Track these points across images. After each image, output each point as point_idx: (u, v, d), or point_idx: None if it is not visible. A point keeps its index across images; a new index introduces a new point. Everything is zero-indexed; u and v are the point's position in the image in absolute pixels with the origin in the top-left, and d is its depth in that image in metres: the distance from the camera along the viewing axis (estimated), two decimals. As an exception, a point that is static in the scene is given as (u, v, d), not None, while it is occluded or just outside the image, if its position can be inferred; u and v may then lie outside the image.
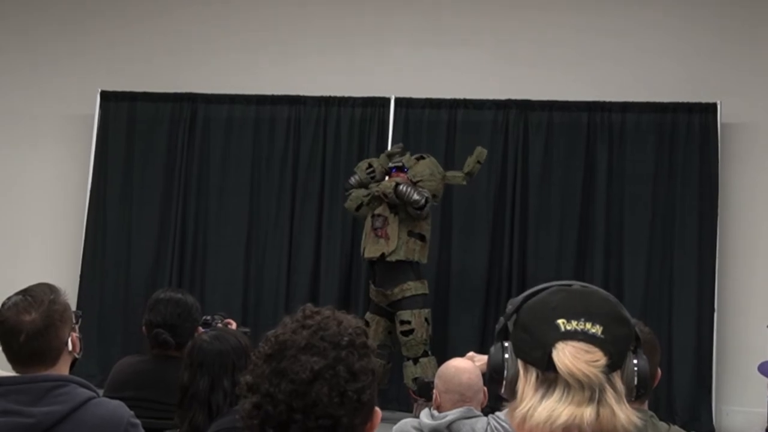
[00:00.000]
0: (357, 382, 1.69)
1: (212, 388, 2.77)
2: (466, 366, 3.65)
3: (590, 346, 1.56)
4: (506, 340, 1.65)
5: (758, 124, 8.32)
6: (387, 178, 7.58)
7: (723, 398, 8.02)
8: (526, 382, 1.59)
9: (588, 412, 1.53)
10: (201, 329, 3.86)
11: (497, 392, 1.66)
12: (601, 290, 1.67)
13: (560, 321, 1.58)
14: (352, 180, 7.78)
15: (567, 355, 1.55)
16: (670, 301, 8.15)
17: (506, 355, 1.62)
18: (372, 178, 7.71)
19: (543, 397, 1.56)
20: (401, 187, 7.32)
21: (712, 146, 8.19)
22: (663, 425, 2.69)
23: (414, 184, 7.41)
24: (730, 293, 8.16)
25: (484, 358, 3.38)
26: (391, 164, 7.62)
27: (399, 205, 7.39)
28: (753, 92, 8.32)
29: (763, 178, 8.26)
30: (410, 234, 7.43)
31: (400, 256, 7.38)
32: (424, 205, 7.35)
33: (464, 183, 7.66)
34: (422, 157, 7.68)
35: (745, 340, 7.94)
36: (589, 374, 1.54)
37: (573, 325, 1.57)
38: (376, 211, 7.50)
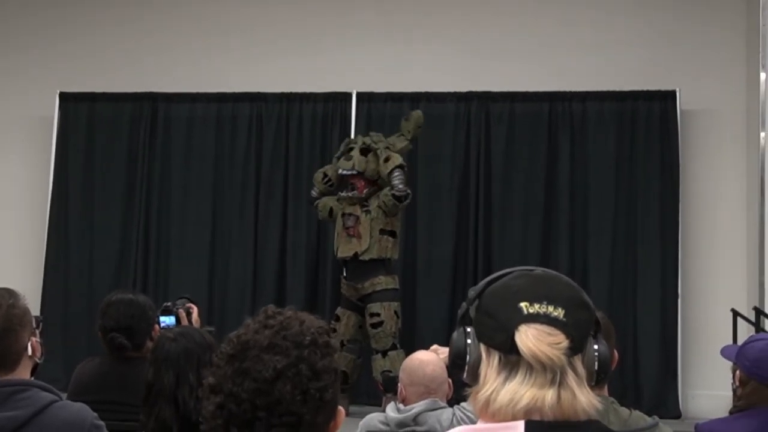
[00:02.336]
0: (319, 381, 1.70)
1: (178, 384, 2.76)
2: (430, 358, 3.65)
3: (552, 328, 1.57)
4: (468, 325, 1.65)
5: (717, 110, 8.39)
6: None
7: (689, 383, 8.10)
8: (489, 366, 1.59)
9: (550, 395, 1.54)
10: (158, 328, 3.83)
11: (460, 378, 1.66)
12: (563, 275, 1.69)
13: (523, 304, 1.59)
14: (314, 192, 7.80)
15: (530, 338, 1.56)
16: (634, 288, 8.22)
17: (468, 341, 1.63)
18: (330, 186, 7.72)
19: (506, 380, 1.57)
20: (396, 171, 7.34)
21: (672, 133, 8.26)
22: (624, 410, 2.71)
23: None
24: (694, 279, 8.24)
25: (448, 350, 3.39)
26: (341, 172, 7.55)
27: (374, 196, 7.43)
28: (711, 79, 8.39)
29: (723, 163, 8.34)
30: (382, 232, 7.43)
31: (373, 254, 7.39)
32: (406, 197, 7.38)
33: (410, 147, 7.70)
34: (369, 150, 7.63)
35: (709, 324, 8.02)
36: (551, 356, 1.55)
37: (536, 308, 1.58)
38: (347, 210, 7.49)
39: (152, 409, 2.67)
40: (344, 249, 7.46)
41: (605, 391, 2.70)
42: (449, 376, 3.63)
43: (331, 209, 7.65)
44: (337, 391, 1.75)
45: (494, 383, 1.58)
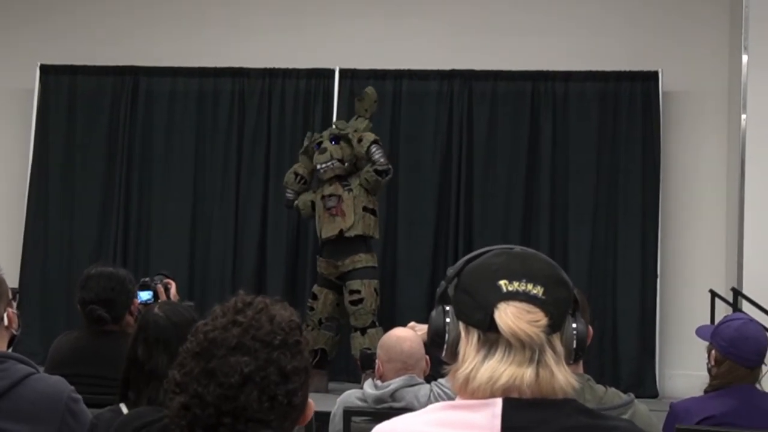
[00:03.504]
0: (288, 384, 1.68)
1: (169, 364, 2.74)
2: (408, 335, 3.67)
3: (531, 306, 1.58)
4: (447, 304, 1.66)
5: (698, 91, 8.41)
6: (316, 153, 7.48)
7: (666, 362, 8.15)
8: (468, 344, 1.60)
9: (528, 373, 1.55)
10: (138, 301, 3.82)
11: (438, 356, 1.67)
12: (542, 254, 1.69)
13: (502, 282, 1.59)
14: (289, 195, 7.73)
15: (509, 315, 1.56)
16: (614, 268, 8.25)
17: (447, 319, 1.63)
18: (304, 184, 7.69)
19: (485, 357, 1.57)
20: (374, 147, 7.32)
21: (654, 114, 8.28)
22: (600, 388, 2.73)
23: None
24: (673, 259, 8.29)
25: (425, 327, 3.41)
26: (320, 166, 7.42)
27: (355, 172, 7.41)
28: (693, 60, 8.40)
29: (704, 144, 8.37)
30: (365, 209, 7.41)
31: (358, 230, 7.36)
32: (387, 172, 7.37)
33: (371, 126, 7.61)
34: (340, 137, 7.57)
35: (688, 305, 8.06)
36: (530, 333, 1.55)
37: (515, 285, 1.59)
38: (326, 192, 7.46)
39: (144, 388, 2.65)
40: (328, 229, 7.42)
41: (581, 368, 2.72)
42: (428, 354, 3.65)
43: (312, 203, 7.61)
44: (307, 390, 1.73)
45: (473, 361, 1.58)
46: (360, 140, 7.38)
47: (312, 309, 7.42)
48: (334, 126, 7.71)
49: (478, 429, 1.54)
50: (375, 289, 7.40)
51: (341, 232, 7.35)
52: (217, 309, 1.76)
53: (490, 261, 1.65)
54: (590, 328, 2.71)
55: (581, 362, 2.72)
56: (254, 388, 1.65)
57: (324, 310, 7.43)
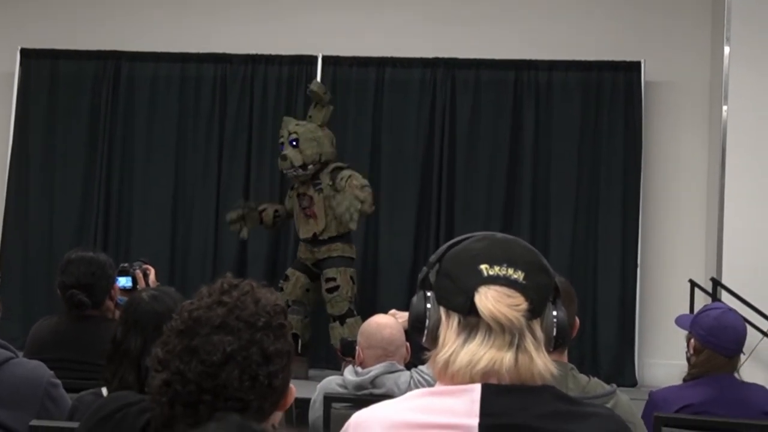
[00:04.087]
0: (270, 366, 1.68)
1: (144, 350, 2.73)
2: (388, 321, 3.67)
3: (512, 290, 1.59)
4: (428, 290, 1.66)
5: (681, 82, 8.44)
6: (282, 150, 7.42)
7: (645, 352, 8.20)
8: (448, 328, 1.61)
9: (508, 357, 1.56)
10: (118, 286, 3.81)
11: (419, 341, 1.67)
12: (523, 240, 1.70)
13: (483, 266, 1.60)
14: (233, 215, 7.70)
15: (489, 299, 1.57)
16: (595, 257, 8.28)
17: (428, 305, 1.63)
18: (278, 216, 7.68)
19: (465, 341, 1.58)
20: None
21: (636, 104, 8.31)
22: (583, 377, 2.74)
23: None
24: (653, 249, 8.32)
25: (406, 314, 3.41)
26: (285, 172, 7.42)
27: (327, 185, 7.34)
28: (676, 51, 8.43)
29: (685, 135, 8.40)
30: None
31: (332, 232, 7.33)
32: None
33: (331, 108, 7.56)
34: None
35: (667, 295, 8.11)
36: (510, 317, 1.56)
37: (495, 270, 1.60)
38: (301, 190, 7.44)
39: (117, 368, 2.65)
40: (303, 230, 7.41)
41: (565, 357, 2.73)
42: (408, 339, 3.65)
43: (275, 213, 7.66)
44: (288, 374, 1.73)
45: (453, 345, 1.59)
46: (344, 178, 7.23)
47: (281, 290, 7.36)
48: (284, 128, 7.49)
49: (457, 415, 1.55)
50: (351, 277, 7.38)
51: (315, 235, 7.33)
52: (203, 289, 1.77)
53: (471, 246, 1.66)
54: (577, 320, 2.73)
55: (566, 352, 2.74)
56: (236, 367, 1.66)
57: (293, 292, 7.40)
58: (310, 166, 7.30)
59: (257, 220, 7.76)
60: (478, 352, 1.57)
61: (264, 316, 1.71)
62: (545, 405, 1.56)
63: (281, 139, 7.47)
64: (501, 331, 1.57)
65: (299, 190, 7.44)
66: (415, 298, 1.67)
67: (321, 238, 7.34)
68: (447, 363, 1.59)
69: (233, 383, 1.65)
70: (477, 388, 1.55)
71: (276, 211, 7.76)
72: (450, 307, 1.62)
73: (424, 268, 1.69)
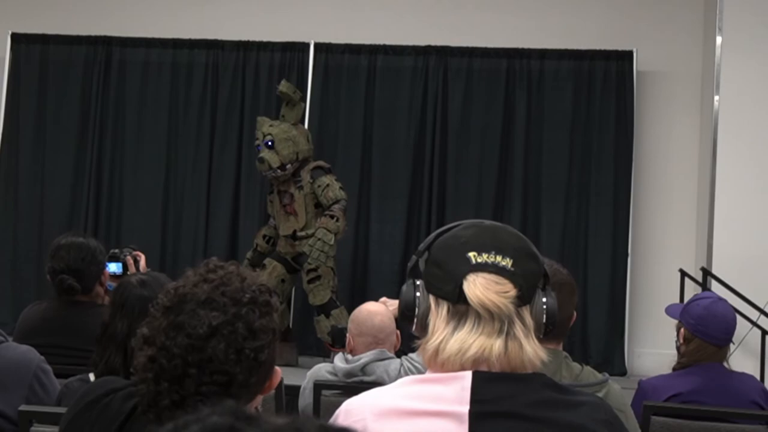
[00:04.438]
0: (255, 341, 1.68)
1: (129, 333, 2.73)
2: (378, 309, 3.68)
3: (500, 277, 1.59)
4: (418, 278, 1.66)
5: (673, 72, 8.44)
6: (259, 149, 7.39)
7: (635, 341, 8.22)
8: (438, 316, 1.61)
9: (498, 344, 1.56)
10: (108, 272, 3.80)
11: (409, 330, 1.67)
12: (512, 228, 1.70)
13: (471, 254, 1.60)
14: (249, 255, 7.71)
15: (478, 286, 1.57)
16: (585, 246, 8.29)
17: (418, 293, 1.63)
18: (270, 239, 7.62)
19: (454, 329, 1.58)
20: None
21: (628, 94, 8.31)
22: (576, 366, 2.74)
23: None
24: (644, 238, 8.34)
25: (397, 302, 3.42)
26: (264, 174, 7.40)
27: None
28: (668, 40, 8.43)
29: (677, 125, 8.41)
30: (317, 206, 7.33)
31: (311, 229, 7.31)
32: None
33: (303, 105, 7.59)
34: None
35: (657, 284, 8.13)
36: (499, 304, 1.56)
37: (484, 257, 1.60)
38: (282, 188, 7.41)
39: (104, 352, 2.65)
40: (284, 227, 7.38)
41: (560, 346, 2.74)
42: (398, 328, 3.66)
43: (265, 237, 7.65)
44: (274, 352, 1.74)
45: (443, 333, 1.59)
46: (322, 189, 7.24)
47: None
48: (267, 125, 7.42)
49: (447, 402, 1.55)
50: (332, 268, 7.34)
51: (295, 231, 7.31)
52: (189, 271, 1.78)
53: (459, 233, 1.66)
54: (575, 312, 2.74)
55: (562, 342, 2.75)
56: (222, 340, 1.66)
57: (269, 280, 7.27)
58: (288, 166, 7.27)
59: (259, 256, 7.70)
60: (468, 340, 1.57)
61: (249, 293, 1.72)
62: (535, 393, 1.57)
63: (257, 141, 7.44)
64: (490, 318, 1.57)
65: (280, 187, 7.41)
66: (404, 287, 1.67)
67: (300, 234, 7.31)
68: (437, 351, 1.59)
69: (219, 356, 1.65)
70: (467, 375, 1.56)
71: (264, 235, 7.71)
72: (439, 295, 1.62)
73: (413, 257, 1.70)
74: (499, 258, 1.60)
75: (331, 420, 1.61)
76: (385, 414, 1.57)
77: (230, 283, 1.72)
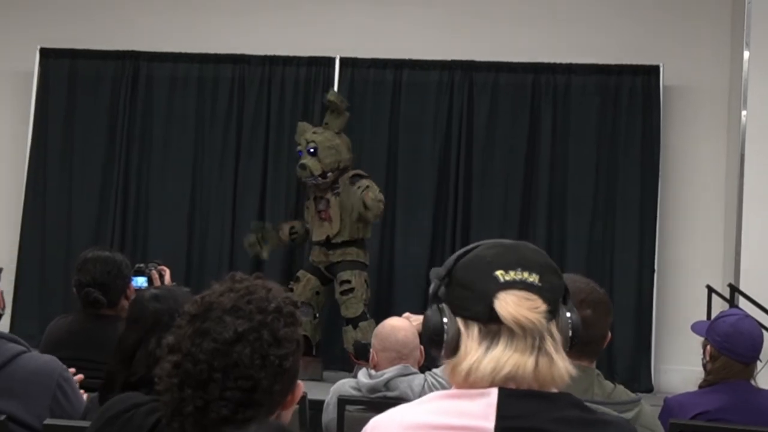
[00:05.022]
0: (280, 348, 1.69)
1: (138, 347, 2.72)
2: (402, 324, 3.67)
3: (530, 293, 1.59)
4: (440, 302, 1.66)
5: (699, 86, 8.40)
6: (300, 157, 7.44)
7: (661, 357, 8.16)
8: (468, 338, 1.60)
9: (530, 361, 1.56)
10: (133, 285, 3.82)
11: (437, 355, 1.66)
12: (531, 244, 1.71)
13: (498, 272, 1.60)
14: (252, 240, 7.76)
15: (510, 304, 1.58)
16: (611, 262, 8.25)
17: (444, 318, 1.62)
18: (295, 233, 7.69)
19: (488, 349, 1.59)
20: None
21: (655, 108, 8.27)
22: (609, 384, 2.73)
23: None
24: (670, 254, 8.28)
25: (420, 317, 3.41)
26: (305, 180, 7.45)
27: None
28: (695, 55, 8.39)
29: (703, 140, 8.37)
30: (358, 220, 7.35)
31: (345, 236, 7.34)
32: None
33: (347, 115, 7.60)
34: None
35: (684, 300, 8.07)
36: (533, 320, 1.57)
37: (511, 275, 1.60)
38: (318, 194, 7.45)
39: (119, 365, 2.65)
40: (317, 233, 7.43)
41: (594, 364, 2.72)
42: (425, 351, 3.64)
43: (291, 228, 7.71)
44: (298, 363, 1.74)
45: (476, 354, 1.59)
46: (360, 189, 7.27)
47: (291, 291, 7.36)
48: (303, 135, 7.51)
49: (473, 417, 1.55)
50: (365, 281, 7.38)
51: (328, 237, 7.33)
52: (215, 284, 1.80)
53: (483, 253, 1.66)
54: (609, 333, 2.73)
55: (595, 359, 2.73)
56: (247, 346, 1.67)
57: (303, 294, 7.38)
58: (329, 174, 7.33)
59: (276, 239, 7.74)
60: (502, 358, 1.57)
61: (275, 302, 1.74)
62: (561, 411, 1.57)
63: (299, 147, 7.48)
64: (523, 335, 1.58)
65: (317, 194, 7.45)
66: (429, 312, 1.66)
67: (334, 241, 7.33)
68: (469, 371, 1.59)
69: (244, 361, 1.66)
70: (494, 392, 1.56)
71: (292, 227, 7.75)
72: (468, 317, 1.62)
73: (436, 281, 1.69)
74: (526, 274, 1.61)
75: (360, 437, 1.62)
76: (412, 428, 1.57)
77: (256, 292, 1.75)
